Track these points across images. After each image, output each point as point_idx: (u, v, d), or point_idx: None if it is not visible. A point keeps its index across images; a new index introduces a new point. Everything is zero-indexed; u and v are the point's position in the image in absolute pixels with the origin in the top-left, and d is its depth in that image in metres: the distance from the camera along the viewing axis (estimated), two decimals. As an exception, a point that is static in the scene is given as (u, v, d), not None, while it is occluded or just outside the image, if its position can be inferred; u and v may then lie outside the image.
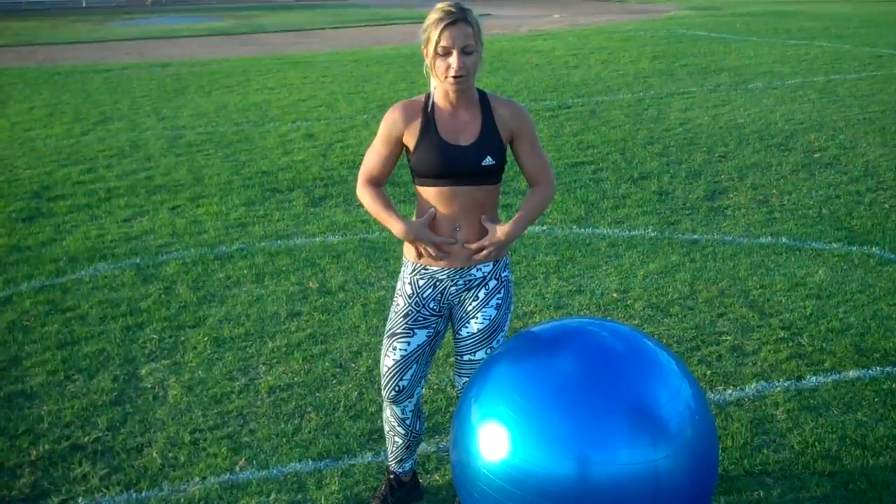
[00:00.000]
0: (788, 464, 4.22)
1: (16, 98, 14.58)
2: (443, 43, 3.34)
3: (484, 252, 3.53)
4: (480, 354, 3.68)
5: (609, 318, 5.72)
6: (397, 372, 3.72)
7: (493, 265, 3.63)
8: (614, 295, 6.13)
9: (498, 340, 3.68)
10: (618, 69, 15.54)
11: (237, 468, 4.35)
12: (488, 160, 3.46)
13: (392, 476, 4.04)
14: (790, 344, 5.38)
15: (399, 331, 3.69)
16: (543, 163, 3.62)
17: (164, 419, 4.80)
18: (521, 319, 5.79)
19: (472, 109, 3.50)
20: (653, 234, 7.26)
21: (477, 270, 3.62)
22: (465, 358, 3.72)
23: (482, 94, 3.55)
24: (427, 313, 3.68)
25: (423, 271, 3.64)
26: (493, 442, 3.29)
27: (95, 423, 4.78)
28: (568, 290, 6.23)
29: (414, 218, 3.62)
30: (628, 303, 6.00)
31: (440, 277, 3.62)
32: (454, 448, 3.54)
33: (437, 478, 4.22)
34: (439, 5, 3.40)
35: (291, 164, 9.80)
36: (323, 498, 4.10)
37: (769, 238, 7.09)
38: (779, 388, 4.88)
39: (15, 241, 7.57)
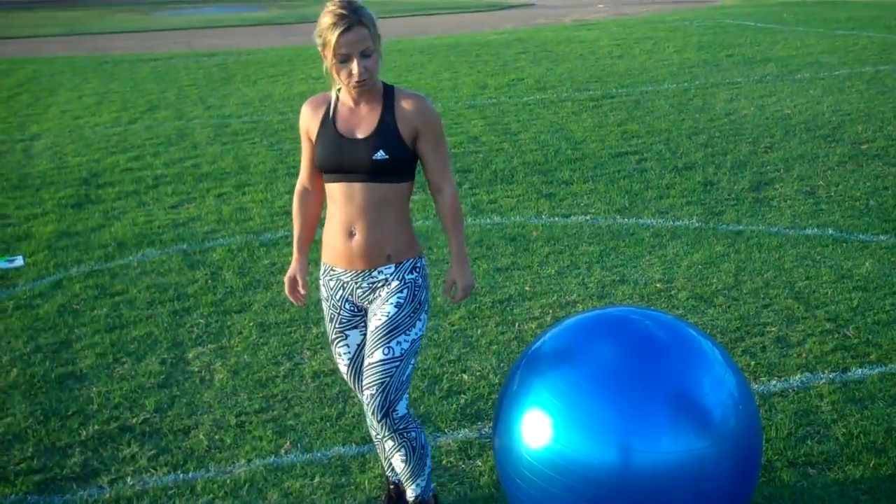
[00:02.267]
0: (833, 455, 4.19)
1: (65, 86, 14.79)
2: (341, 50, 3.25)
3: (461, 297, 3.62)
4: (378, 355, 3.46)
5: (652, 307, 5.71)
6: (354, 375, 3.68)
7: (396, 267, 3.48)
8: (658, 285, 6.12)
9: (398, 342, 3.45)
10: (662, 59, 15.44)
11: (282, 451, 4.41)
12: (380, 154, 3.34)
13: (392, 486, 3.96)
14: (836, 336, 5.34)
15: (333, 336, 3.66)
16: (444, 166, 3.48)
17: (211, 402, 4.87)
18: (564, 308, 5.80)
19: (374, 103, 3.41)
20: (697, 225, 7.23)
21: (378, 273, 3.49)
22: (365, 362, 3.51)
23: (389, 88, 3.44)
24: (347, 315, 3.59)
25: (331, 272, 3.58)
26: (536, 428, 3.31)
27: (143, 405, 4.87)
28: (611, 280, 6.22)
29: (326, 220, 3.57)
30: (672, 293, 5.99)
31: (345, 280, 3.54)
32: (497, 434, 3.56)
33: (480, 463, 4.25)
34: (330, 6, 3.28)
35: (336, 152, 9.84)
36: (366, 482, 4.14)
37: (815, 229, 7.03)
38: (824, 380, 4.85)
39: (65, 227, 7.71)
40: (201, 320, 5.84)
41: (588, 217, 7.50)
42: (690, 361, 3.39)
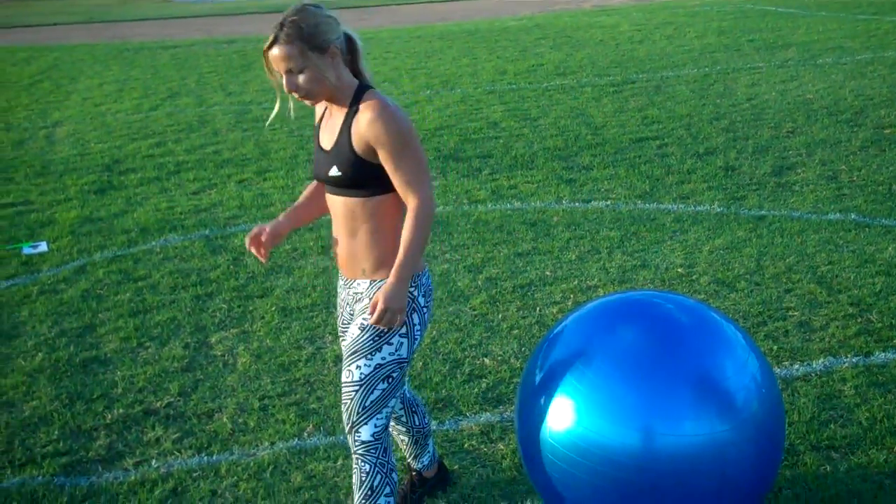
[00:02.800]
0: (856, 439, 4.18)
1: (87, 74, 14.85)
2: (271, 66, 3.18)
3: (375, 317, 3.12)
4: (342, 376, 3.28)
5: (674, 291, 5.70)
6: None
7: (369, 284, 3.29)
8: (679, 270, 6.10)
9: (358, 367, 3.22)
10: (683, 44, 15.37)
11: (305, 434, 4.43)
12: (334, 170, 3.19)
13: (414, 473, 3.93)
14: (859, 320, 5.32)
15: (339, 333, 3.60)
16: (409, 180, 3.13)
17: (234, 386, 4.91)
18: (585, 293, 5.80)
19: (342, 113, 3.23)
20: (719, 210, 7.20)
21: (357, 284, 3.34)
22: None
23: (361, 94, 3.19)
24: (347, 317, 3.48)
25: (339, 272, 3.49)
26: (558, 412, 3.31)
27: (167, 389, 4.90)
28: (632, 265, 6.22)
29: None
30: (693, 278, 5.97)
31: (342, 283, 3.46)
32: (519, 418, 3.57)
33: (502, 446, 4.26)
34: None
35: (356, 138, 9.85)
36: (389, 464, 4.16)
37: (838, 214, 7.00)
38: (847, 364, 4.83)
39: (88, 213, 7.76)
40: (224, 305, 5.87)
41: (609, 202, 7.49)
42: (713, 345, 3.39)
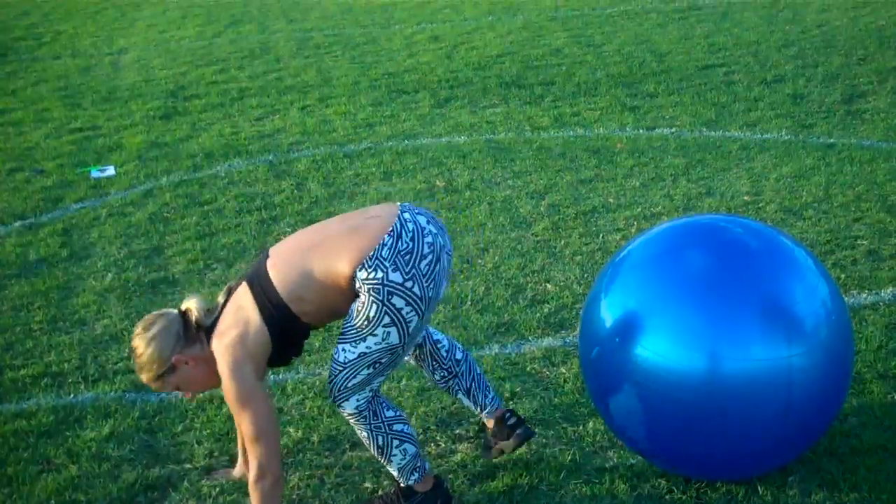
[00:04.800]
0: (924, 368, 4.13)
1: (150, 1, 14.90)
2: None
3: None
4: (333, 350, 3.31)
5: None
6: None
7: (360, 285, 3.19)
8: (745, 198, 6.02)
9: (344, 349, 3.20)
10: (752, -30, 14.96)
11: (369, 355, 4.48)
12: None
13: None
14: (930, 250, 5.22)
15: None
16: (244, 428, 3.20)
17: (299, 308, 4.96)
18: (649, 220, 5.75)
19: None
20: (786, 138, 7.07)
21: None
22: None
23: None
24: None
25: None
26: (623, 335, 3.30)
27: (234, 310, 4.98)
28: (697, 193, 6.14)
29: None
30: (760, 205, 5.89)
31: None
32: (583, 341, 3.57)
33: (564, 370, 4.28)
34: None
35: (417, 65, 9.81)
36: (452, 386, 4.20)
37: (910, 143, 6.84)
38: (916, 294, 4.76)
39: (154, 138, 7.84)
40: (288, 229, 5.92)
41: (673, 130, 7.38)
42: (782, 269, 3.34)
